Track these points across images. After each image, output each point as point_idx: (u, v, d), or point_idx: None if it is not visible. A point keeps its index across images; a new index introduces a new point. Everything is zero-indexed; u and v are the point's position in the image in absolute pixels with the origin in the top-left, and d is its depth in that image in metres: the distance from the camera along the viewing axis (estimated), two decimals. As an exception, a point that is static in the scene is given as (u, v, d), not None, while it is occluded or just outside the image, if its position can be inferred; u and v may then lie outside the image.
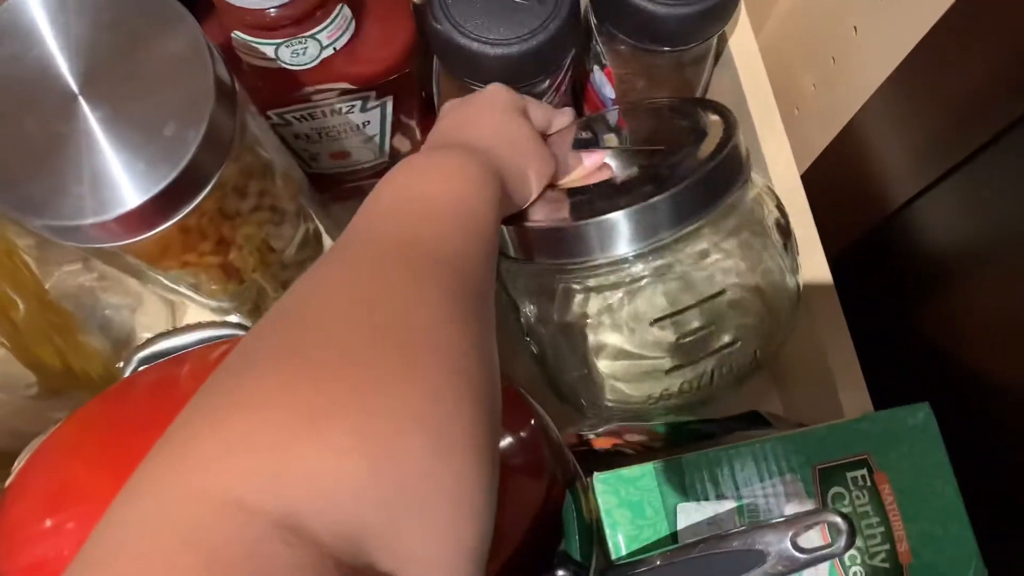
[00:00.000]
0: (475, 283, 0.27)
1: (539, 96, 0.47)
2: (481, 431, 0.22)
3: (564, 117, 0.44)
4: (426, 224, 0.28)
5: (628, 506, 0.35)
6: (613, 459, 0.43)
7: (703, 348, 0.39)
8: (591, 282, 0.38)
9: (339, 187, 0.57)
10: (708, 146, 0.37)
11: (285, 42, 0.40)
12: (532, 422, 0.37)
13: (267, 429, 0.19)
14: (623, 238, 0.35)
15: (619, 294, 0.38)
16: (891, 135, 0.46)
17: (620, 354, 0.40)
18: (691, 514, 0.35)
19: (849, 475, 0.35)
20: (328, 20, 0.40)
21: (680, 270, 0.38)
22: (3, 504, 0.34)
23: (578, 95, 0.55)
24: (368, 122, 0.49)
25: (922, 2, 0.38)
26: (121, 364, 0.46)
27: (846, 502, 0.35)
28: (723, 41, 0.51)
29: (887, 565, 0.35)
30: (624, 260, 0.36)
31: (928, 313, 0.46)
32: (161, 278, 0.41)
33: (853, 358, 0.45)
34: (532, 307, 0.42)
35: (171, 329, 0.47)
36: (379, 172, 0.55)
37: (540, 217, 0.38)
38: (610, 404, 0.42)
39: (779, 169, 0.48)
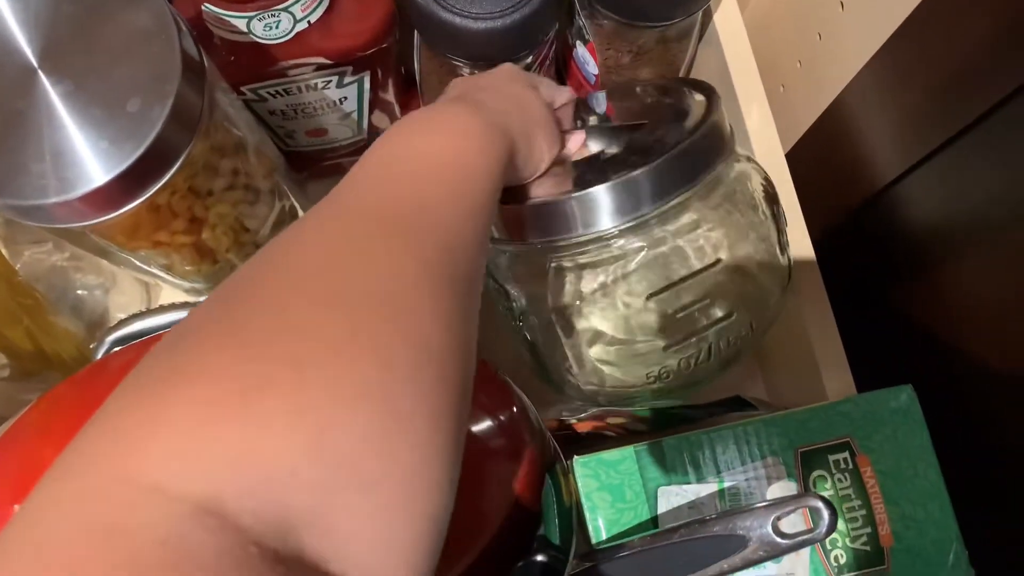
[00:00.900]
0: (457, 251, 0.25)
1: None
2: (440, 403, 0.21)
3: (565, 94, 0.43)
4: (411, 185, 0.26)
5: (608, 489, 0.35)
6: (594, 442, 0.43)
7: (698, 323, 0.39)
8: (582, 259, 0.37)
9: (317, 165, 0.55)
10: (691, 121, 0.37)
11: (257, 15, 0.39)
12: (513, 406, 0.36)
13: (193, 405, 0.18)
14: (607, 212, 0.35)
15: (611, 271, 0.38)
16: (877, 113, 0.45)
17: (616, 333, 0.40)
18: (672, 498, 0.35)
19: (831, 458, 0.35)
20: (301, -8, 0.39)
21: (670, 245, 0.37)
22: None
23: (561, 72, 0.54)
24: (345, 98, 0.48)
25: (910, -22, 0.37)
26: (94, 346, 0.45)
27: (828, 485, 0.35)
28: (708, 17, 0.50)
29: (869, 548, 0.34)
30: (610, 235, 0.35)
31: (912, 294, 0.46)
32: (132, 259, 0.40)
33: (837, 340, 0.45)
34: (522, 292, 0.41)
35: (145, 310, 0.46)
36: (358, 150, 0.54)
37: (541, 193, 0.37)
38: (608, 389, 0.41)
39: (764, 147, 0.47)
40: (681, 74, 0.53)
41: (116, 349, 0.42)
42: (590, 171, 0.37)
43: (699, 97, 0.39)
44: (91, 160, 0.30)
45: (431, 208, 0.25)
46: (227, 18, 0.39)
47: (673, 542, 0.32)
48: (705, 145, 0.36)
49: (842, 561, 0.34)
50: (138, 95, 0.30)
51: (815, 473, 0.35)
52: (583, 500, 0.35)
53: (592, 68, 0.50)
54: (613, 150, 0.39)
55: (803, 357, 0.45)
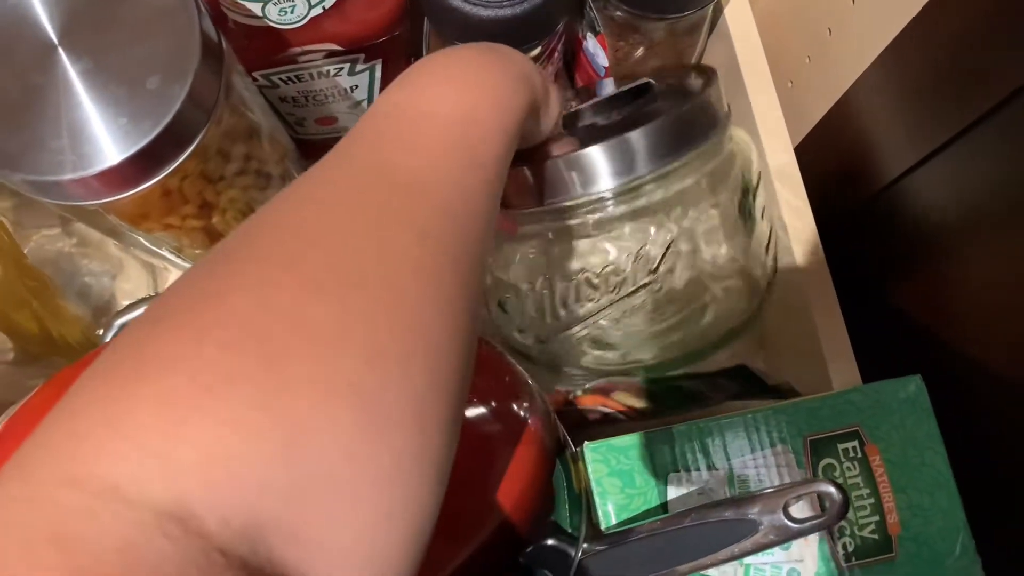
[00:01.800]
0: (460, 220, 0.22)
1: (531, 63, 0.46)
2: (431, 404, 0.19)
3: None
4: (414, 148, 0.23)
5: (618, 475, 0.35)
6: (601, 428, 0.43)
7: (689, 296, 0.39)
8: (572, 221, 0.38)
9: (325, 154, 0.55)
10: (689, 97, 0.37)
11: (272, -1, 0.39)
12: (522, 389, 0.36)
13: (158, 401, 0.16)
14: (603, 173, 0.35)
15: (601, 239, 0.38)
16: (885, 108, 0.45)
17: (608, 304, 0.40)
18: (682, 484, 0.35)
19: (840, 446, 0.35)
20: (317, -23, 0.39)
21: (659, 216, 0.38)
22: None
23: (570, 64, 0.54)
24: (356, 86, 0.48)
25: (921, -28, 0.38)
26: (101, 331, 0.45)
27: (836, 473, 0.35)
28: (718, 11, 0.50)
29: (876, 536, 0.35)
30: (604, 198, 0.36)
31: (919, 287, 0.46)
32: (143, 240, 0.40)
33: (842, 331, 0.45)
34: (513, 261, 0.42)
35: (152, 295, 0.46)
36: (366, 139, 0.54)
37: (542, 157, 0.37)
38: (604, 366, 0.42)
39: (773, 140, 0.47)
40: (690, 68, 0.53)
41: (124, 333, 0.42)
42: (589, 137, 0.38)
43: (700, 79, 0.40)
44: (109, 137, 0.30)
45: (436, 174, 0.23)
46: (242, 1, 0.39)
47: (684, 526, 0.32)
48: (701, 115, 0.37)
49: (850, 548, 0.34)
50: (157, 73, 0.30)
51: (824, 461, 0.35)
52: (593, 485, 0.35)
53: (602, 60, 0.50)
54: (611, 118, 0.40)
55: (808, 348, 0.46)
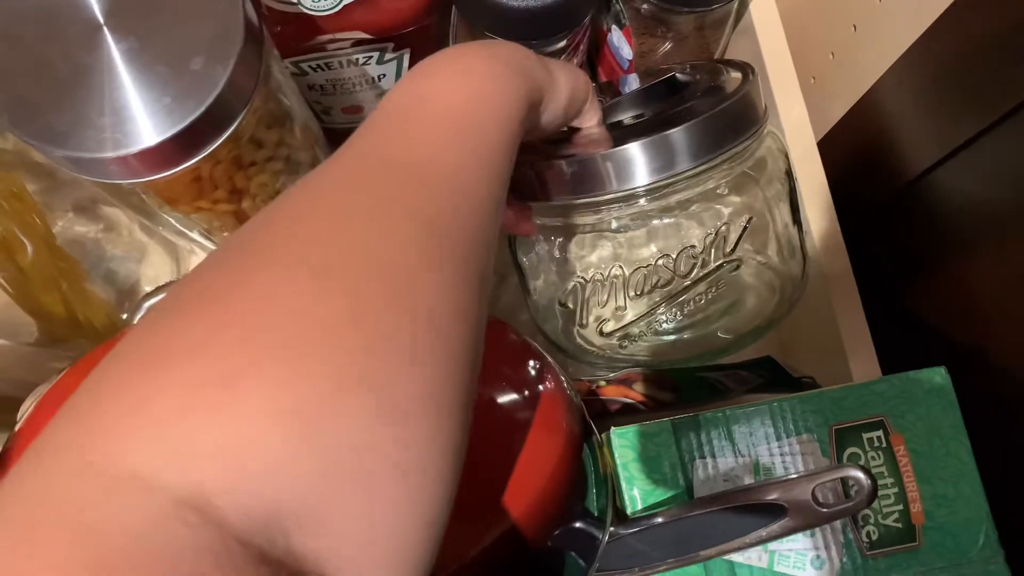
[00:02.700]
0: (463, 208, 0.23)
1: (556, 56, 0.47)
2: (444, 393, 0.19)
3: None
4: (413, 136, 0.24)
5: (645, 461, 0.35)
6: (623, 417, 0.43)
7: (713, 295, 0.40)
8: (608, 215, 0.38)
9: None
10: (725, 93, 0.38)
11: (307, -15, 0.39)
12: (549, 375, 0.37)
13: (175, 391, 0.16)
14: (641, 170, 0.35)
15: (631, 236, 0.38)
16: (909, 105, 0.45)
17: (634, 298, 0.41)
18: (708, 470, 0.35)
19: (865, 436, 0.36)
20: (352, -36, 0.39)
21: (692, 212, 0.38)
22: (14, 448, 0.34)
23: (593, 57, 0.55)
24: (384, 75, 0.48)
25: (950, -31, 0.38)
26: (125, 316, 0.46)
27: (861, 462, 0.35)
28: (743, 5, 0.50)
29: (900, 525, 0.35)
30: (640, 194, 0.36)
31: (941, 282, 0.46)
32: (173, 221, 0.41)
33: (864, 327, 0.45)
34: (545, 257, 0.42)
35: (181, 278, 0.46)
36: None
37: (578, 151, 0.37)
38: (629, 356, 0.42)
39: (796, 135, 0.48)
40: (714, 63, 0.54)
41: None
42: (623, 133, 0.38)
43: (734, 74, 0.40)
44: (152, 117, 0.30)
45: (437, 166, 0.23)
46: (278, -13, 0.39)
47: (711, 510, 0.32)
48: (740, 113, 0.37)
49: (874, 537, 0.35)
50: (201, 55, 0.31)
51: (849, 450, 0.35)
52: (619, 470, 0.35)
53: (627, 53, 0.50)
54: (646, 115, 0.40)
55: (830, 343, 0.46)
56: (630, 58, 0.51)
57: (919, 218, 0.47)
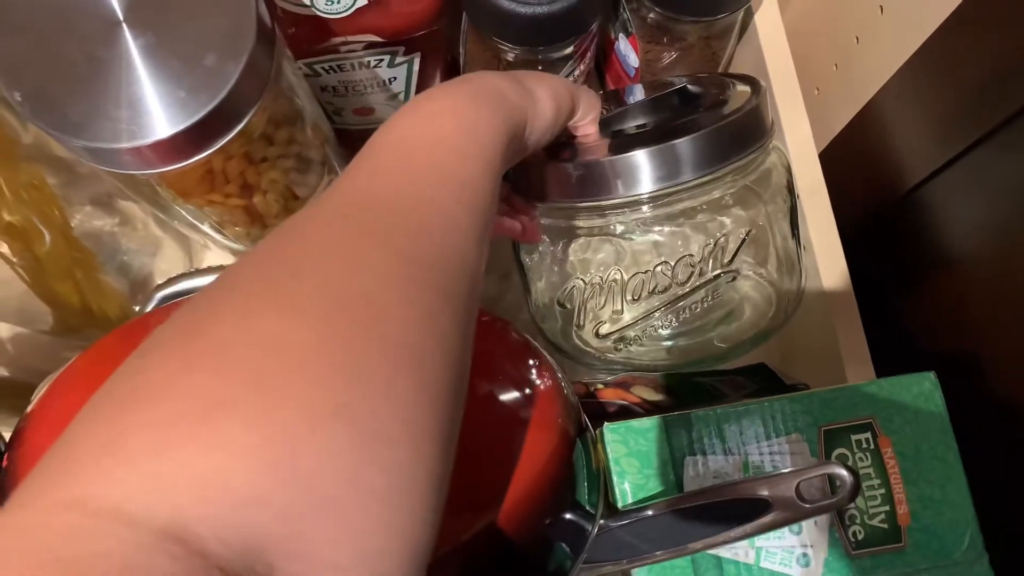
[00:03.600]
0: (437, 237, 0.23)
1: (563, 62, 0.48)
2: (421, 418, 0.19)
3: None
4: (388, 174, 0.25)
5: (636, 456, 0.36)
6: (620, 419, 0.44)
7: (712, 303, 0.41)
8: (612, 220, 0.39)
9: (360, 144, 0.57)
10: (732, 107, 0.38)
11: (320, -12, 0.40)
12: (545, 372, 0.37)
13: (155, 424, 0.17)
14: (645, 177, 0.36)
15: (633, 243, 0.39)
16: (909, 115, 0.46)
17: (633, 302, 0.42)
18: (698, 467, 0.36)
19: (853, 437, 0.36)
20: (364, -32, 0.41)
21: (694, 222, 0.39)
22: (24, 430, 0.35)
23: (601, 64, 0.56)
24: (394, 78, 0.50)
25: (949, -19, 0.39)
26: (137, 308, 0.47)
27: (849, 463, 0.36)
28: (748, 16, 0.51)
29: (886, 526, 0.35)
30: (644, 201, 0.37)
31: (939, 291, 0.47)
32: (186, 214, 0.42)
33: (861, 336, 0.46)
34: (545, 260, 0.43)
35: (193, 270, 0.48)
36: (401, 131, 0.55)
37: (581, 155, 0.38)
38: (628, 360, 0.43)
39: (798, 147, 0.49)
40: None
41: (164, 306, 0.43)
42: (631, 141, 0.39)
43: (743, 88, 0.41)
44: (167, 109, 0.32)
45: (410, 199, 0.24)
46: (291, -10, 0.40)
47: (698, 504, 0.33)
48: (748, 126, 0.37)
49: (860, 537, 0.35)
50: (215, 51, 0.32)
51: (837, 451, 0.36)
52: (611, 465, 0.36)
53: (633, 61, 0.51)
54: (653, 122, 0.41)
55: (827, 351, 0.47)
56: (636, 66, 0.52)
57: (917, 228, 0.47)
